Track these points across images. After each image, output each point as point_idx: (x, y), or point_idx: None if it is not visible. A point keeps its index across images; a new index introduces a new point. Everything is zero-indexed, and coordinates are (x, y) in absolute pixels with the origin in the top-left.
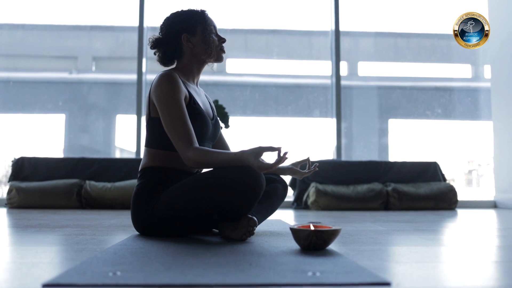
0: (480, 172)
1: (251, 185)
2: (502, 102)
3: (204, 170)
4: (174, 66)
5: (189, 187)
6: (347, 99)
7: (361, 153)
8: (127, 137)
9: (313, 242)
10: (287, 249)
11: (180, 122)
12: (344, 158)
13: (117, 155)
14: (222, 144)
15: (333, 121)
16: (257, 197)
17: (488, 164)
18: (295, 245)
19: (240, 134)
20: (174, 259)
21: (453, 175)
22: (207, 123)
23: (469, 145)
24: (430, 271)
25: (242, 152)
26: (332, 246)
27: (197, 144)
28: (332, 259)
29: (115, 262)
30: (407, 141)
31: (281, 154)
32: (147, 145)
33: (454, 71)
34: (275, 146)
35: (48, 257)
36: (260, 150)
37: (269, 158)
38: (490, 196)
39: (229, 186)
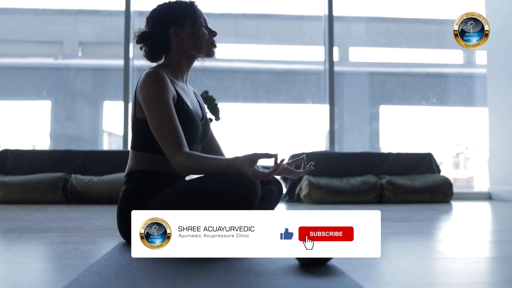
0: (468, 155)
1: (246, 194)
2: (498, 89)
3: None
4: (161, 62)
5: (180, 195)
6: (338, 84)
7: (353, 143)
8: (115, 124)
9: (313, 259)
10: (285, 265)
11: (168, 124)
12: (336, 147)
13: (105, 139)
14: (213, 145)
15: (326, 107)
16: (252, 205)
17: (476, 147)
18: (293, 258)
19: (230, 124)
20: (163, 283)
21: (441, 158)
22: (196, 125)
23: (461, 131)
24: None
25: (236, 159)
26: (333, 259)
27: (187, 148)
28: (334, 281)
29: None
30: (399, 128)
31: (278, 161)
32: (133, 147)
33: (446, 57)
34: (271, 153)
35: (25, 279)
36: (255, 157)
37: (264, 162)
38: (484, 187)
39: (222, 195)
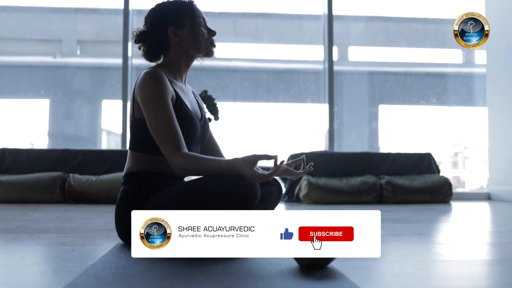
0: (466, 154)
1: (245, 195)
2: (498, 89)
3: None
4: (160, 61)
5: (179, 195)
6: (337, 84)
7: (353, 143)
8: (113, 122)
9: (313, 262)
10: (285, 268)
11: (167, 125)
12: (335, 146)
13: (104, 138)
14: (212, 145)
15: (325, 107)
16: (251, 207)
17: (474, 146)
18: (293, 261)
19: (230, 124)
20: (161, 286)
21: (439, 157)
22: (195, 126)
23: (460, 130)
24: None
25: (235, 160)
26: (333, 261)
27: (185, 149)
28: (334, 283)
29: None
30: (398, 128)
31: (278, 163)
32: (131, 148)
33: (445, 57)
34: (271, 154)
35: (21, 281)
36: (255, 159)
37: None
38: (482, 185)
39: (221, 196)
